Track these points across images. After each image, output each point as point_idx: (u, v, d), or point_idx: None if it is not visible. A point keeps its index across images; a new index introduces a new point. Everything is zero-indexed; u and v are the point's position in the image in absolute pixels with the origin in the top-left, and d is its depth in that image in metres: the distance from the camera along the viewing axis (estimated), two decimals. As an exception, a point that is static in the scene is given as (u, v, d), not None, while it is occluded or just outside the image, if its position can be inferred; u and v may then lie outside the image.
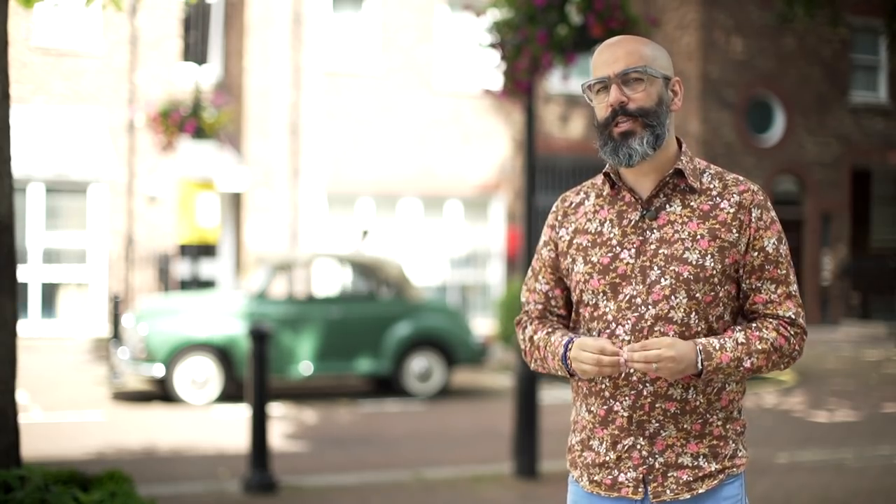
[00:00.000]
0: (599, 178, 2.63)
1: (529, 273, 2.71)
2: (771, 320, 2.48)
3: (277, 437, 9.42)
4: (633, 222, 2.51)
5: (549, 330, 2.60)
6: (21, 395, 8.99)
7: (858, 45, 21.85)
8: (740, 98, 20.72)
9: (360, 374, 12.39)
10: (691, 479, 2.45)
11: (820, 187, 21.33)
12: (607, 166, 2.58)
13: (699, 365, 2.37)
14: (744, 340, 2.42)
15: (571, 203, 2.64)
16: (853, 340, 18.85)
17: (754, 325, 2.48)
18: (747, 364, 2.41)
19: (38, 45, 18.09)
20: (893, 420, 10.94)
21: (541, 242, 2.69)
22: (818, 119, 21.39)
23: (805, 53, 21.23)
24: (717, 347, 2.39)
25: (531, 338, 2.63)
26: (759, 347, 2.42)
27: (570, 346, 2.48)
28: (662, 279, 2.44)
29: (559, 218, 2.64)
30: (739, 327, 2.48)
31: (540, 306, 2.66)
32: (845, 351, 17.41)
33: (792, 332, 2.48)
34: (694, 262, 2.44)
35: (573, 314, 2.61)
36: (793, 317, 2.48)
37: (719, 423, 2.48)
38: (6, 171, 4.44)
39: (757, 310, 2.50)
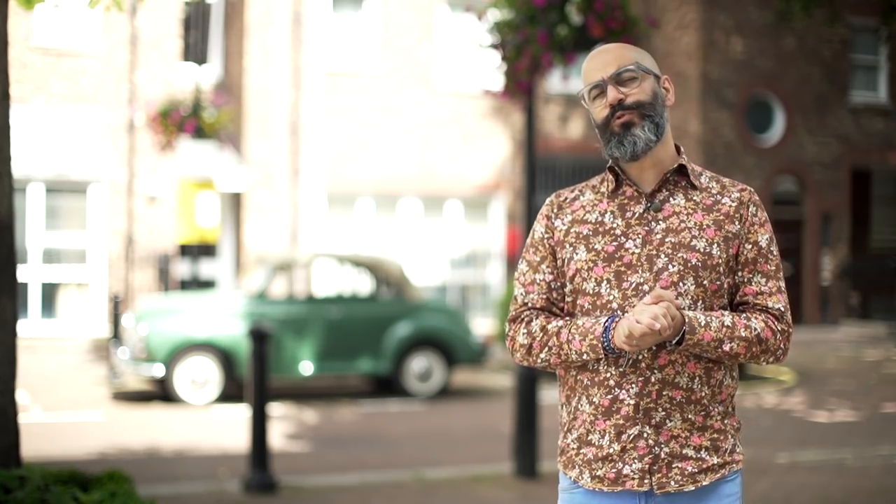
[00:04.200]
0: (596, 179, 2.65)
1: (524, 268, 2.64)
2: (760, 312, 2.51)
3: (277, 437, 9.42)
4: (637, 214, 2.53)
5: (569, 320, 2.55)
6: (21, 395, 8.99)
7: (858, 45, 21.84)
8: (740, 98, 20.72)
9: (361, 374, 12.39)
10: (696, 470, 2.47)
11: (820, 187, 21.33)
12: (610, 162, 2.60)
13: (681, 336, 2.41)
14: (730, 324, 2.45)
15: (566, 198, 2.65)
16: (853, 340, 18.84)
17: (744, 314, 2.51)
18: (726, 347, 2.44)
19: (38, 45, 18.09)
20: (893, 420, 10.94)
21: (537, 236, 2.63)
22: (818, 119, 21.39)
23: (805, 53, 21.23)
24: (703, 324, 2.42)
25: (543, 327, 2.55)
26: (743, 335, 2.45)
27: (614, 320, 2.44)
28: (670, 266, 2.47)
29: (554, 210, 2.63)
30: (728, 312, 2.50)
31: (544, 297, 2.59)
32: (845, 351, 17.41)
33: (779, 328, 2.50)
34: (702, 250, 2.48)
35: (567, 306, 2.59)
36: (782, 310, 2.52)
37: (719, 416, 2.52)
38: (6, 171, 4.44)
39: (747, 300, 2.53)
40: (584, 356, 2.48)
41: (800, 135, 21.24)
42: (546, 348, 2.54)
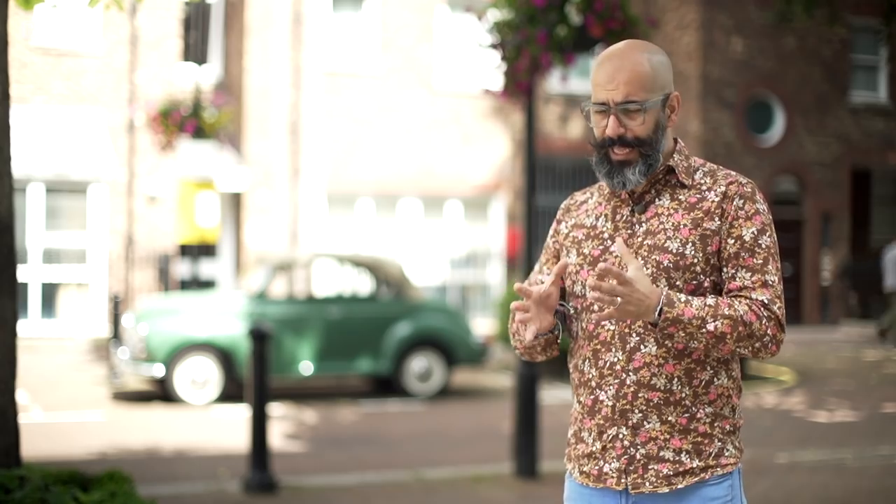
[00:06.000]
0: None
1: (536, 267, 2.76)
2: (744, 299, 2.43)
3: (277, 437, 9.42)
4: (624, 217, 2.56)
5: None
6: (21, 395, 8.99)
7: (858, 45, 21.85)
8: (740, 98, 20.72)
9: (361, 374, 12.40)
10: (671, 473, 2.45)
11: (820, 187, 21.33)
12: None
13: (657, 311, 2.35)
14: (712, 304, 2.38)
15: (577, 201, 2.72)
16: (853, 340, 18.84)
17: (727, 298, 2.44)
18: (711, 326, 2.36)
19: (38, 45, 18.08)
20: (893, 420, 10.94)
21: (547, 239, 2.75)
22: (818, 119, 21.39)
23: (805, 53, 21.23)
24: (683, 300, 2.37)
25: (512, 314, 2.67)
26: (727, 313, 2.37)
27: None
28: (645, 268, 2.46)
29: (563, 214, 2.72)
30: (711, 295, 2.45)
31: None
32: (845, 351, 17.41)
33: (764, 314, 2.40)
34: (674, 251, 2.46)
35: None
36: (766, 301, 2.42)
37: (707, 419, 2.47)
38: (6, 171, 4.45)
39: (732, 296, 2.47)
40: (526, 338, 2.59)
41: (800, 135, 21.24)
42: (511, 336, 2.71)
